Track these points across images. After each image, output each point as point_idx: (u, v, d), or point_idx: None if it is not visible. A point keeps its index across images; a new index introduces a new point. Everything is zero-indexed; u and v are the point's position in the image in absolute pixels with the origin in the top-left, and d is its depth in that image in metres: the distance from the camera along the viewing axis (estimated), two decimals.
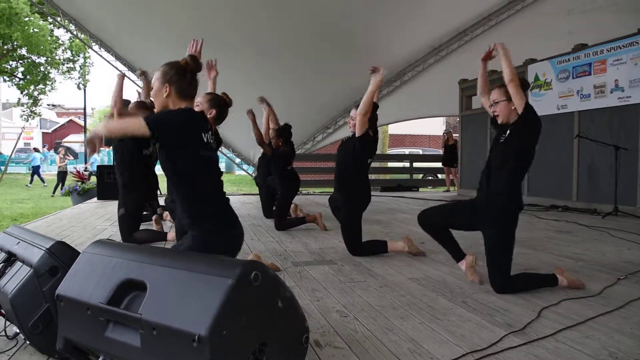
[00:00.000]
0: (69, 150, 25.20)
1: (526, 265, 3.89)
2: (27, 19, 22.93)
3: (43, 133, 52.84)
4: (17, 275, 2.12)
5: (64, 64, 26.48)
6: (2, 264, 2.28)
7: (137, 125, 2.22)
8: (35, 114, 27.99)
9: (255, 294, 1.44)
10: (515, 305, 2.83)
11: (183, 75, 2.42)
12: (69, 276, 1.85)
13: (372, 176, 17.92)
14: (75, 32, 10.97)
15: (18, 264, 2.21)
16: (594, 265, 3.89)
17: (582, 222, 6.31)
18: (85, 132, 26.49)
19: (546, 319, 2.60)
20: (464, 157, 10.99)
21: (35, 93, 26.66)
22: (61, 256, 2.07)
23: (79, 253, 2.01)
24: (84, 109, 27.35)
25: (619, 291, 3.15)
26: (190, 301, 1.41)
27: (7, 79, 26.54)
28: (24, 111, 27.24)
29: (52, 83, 26.69)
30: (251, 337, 1.44)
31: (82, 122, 37.30)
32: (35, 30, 23.26)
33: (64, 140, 47.54)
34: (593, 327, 2.49)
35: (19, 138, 22.27)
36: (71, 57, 26.38)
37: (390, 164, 19.89)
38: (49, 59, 25.37)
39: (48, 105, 28.25)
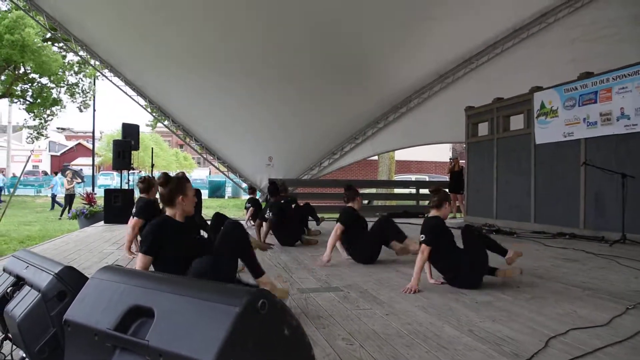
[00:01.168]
0: (76, 174, 25.32)
1: (533, 293, 3.86)
2: (38, 45, 23.42)
3: (52, 156, 53.25)
4: (26, 300, 2.12)
5: (72, 88, 26.96)
6: (10, 288, 2.29)
7: None
8: (42, 135, 28.35)
9: (262, 322, 1.44)
10: (522, 335, 2.81)
11: None
12: (77, 301, 1.85)
13: (378, 202, 17.96)
14: (86, 58, 11.15)
15: (26, 288, 2.22)
16: (602, 294, 3.86)
17: (590, 250, 6.27)
18: (93, 155, 26.72)
19: (553, 349, 2.58)
20: (470, 183, 10.98)
21: (45, 115, 27.05)
22: (69, 281, 2.07)
23: (87, 278, 2.02)
24: (93, 132, 27.57)
25: (627, 321, 3.11)
26: (197, 329, 1.41)
27: (17, 101, 26.97)
28: (30, 133, 27.62)
29: (61, 106, 27.13)
30: None
31: (90, 146, 37.59)
32: (47, 58, 23.70)
33: (72, 163, 47.91)
34: (601, 358, 2.46)
35: (27, 160, 22.45)
36: (77, 82, 26.91)
37: (397, 190, 19.90)
38: (60, 83, 25.83)
39: (57, 128, 28.64)
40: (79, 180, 27.06)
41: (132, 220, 5.50)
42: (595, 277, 4.60)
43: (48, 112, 26.99)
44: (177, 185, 3.10)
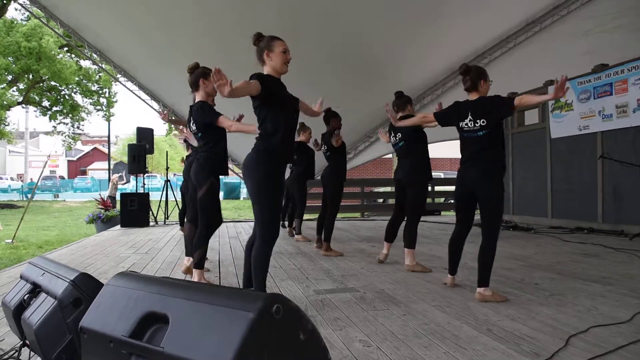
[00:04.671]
0: (122, 178, 25.48)
1: (551, 290, 3.81)
2: (54, 53, 23.76)
3: (68, 161, 53.94)
4: (42, 307, 2.14)
5: (92, 97, 27.35)
6: (27, 295, 2.31)
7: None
8: (75, 140, 28.89)
9: (277, 327, 1.43)
10: (542, 333, 2.77)
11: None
12: (92, 308, 1.86)
13: (393, 200, 17.87)
14: (99, 64, 11.24)
15: (43, 295, 2.23)
16: (623, 290, 3.80)
17: (609, 245, 6.18)
18: (109, 160, 26.99)
19: (574, 347, 2.54)
20: None
21: (79, 121, 27.59)
22: (85, 288, 2.08)
23: (102, 284, 2.03)
24: (108, 137, 27.93)
25: None
26: (212, 335, 1.41)
27: (36, 109, 27.45)
28: (64, 140, 28.17)
29: (86, 113, 27.59)
30: None
31: (106, 150, 37.94)
32: (62, 65, 24.07)
33: (88, 167, 48.44)
34: (624, 356, 2.42)
35: (45, 166, 22.73)
36: (98, 91, 27.26)
37: None
38: (78, 89, 26.25)
39: (74, 133, 29.17)
40: (122, 184, 27.30)
41: None
42: (615, 272, 4.53)
43: (78, 117, 27.52)
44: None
